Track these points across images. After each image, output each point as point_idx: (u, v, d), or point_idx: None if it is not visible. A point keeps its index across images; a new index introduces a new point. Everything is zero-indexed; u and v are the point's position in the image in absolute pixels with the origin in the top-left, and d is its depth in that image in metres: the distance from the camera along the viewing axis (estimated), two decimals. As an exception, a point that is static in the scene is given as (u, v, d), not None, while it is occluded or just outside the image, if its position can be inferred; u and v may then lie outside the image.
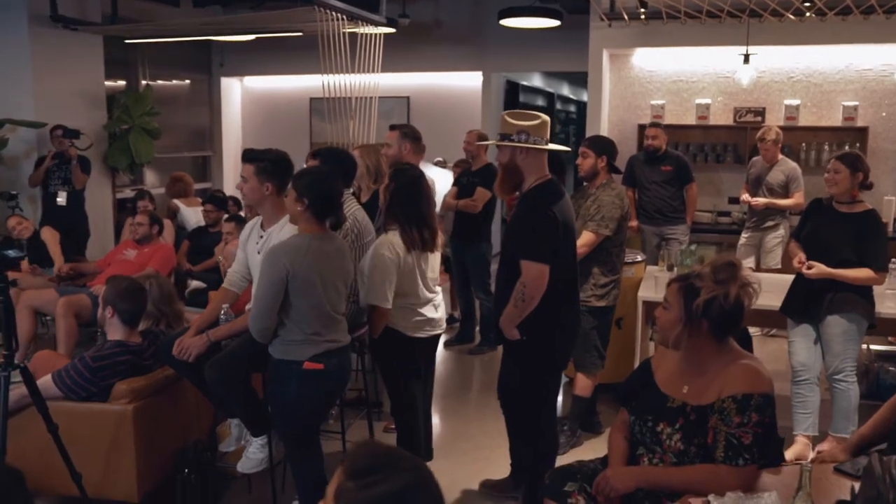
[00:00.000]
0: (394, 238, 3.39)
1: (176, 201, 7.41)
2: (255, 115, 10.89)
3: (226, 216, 6.17)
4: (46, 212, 6.68)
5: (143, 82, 9.38)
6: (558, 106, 13.97)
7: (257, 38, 8.46)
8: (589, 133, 6.94)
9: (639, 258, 5.14)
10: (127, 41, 8.03)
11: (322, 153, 3.75)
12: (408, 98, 10.13)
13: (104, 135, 7.75)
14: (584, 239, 4.04)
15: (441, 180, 6.09)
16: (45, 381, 3.22)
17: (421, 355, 3.60)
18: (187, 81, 10.31)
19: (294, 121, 10.31)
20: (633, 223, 6.69)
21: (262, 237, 3.36)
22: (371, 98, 6.85)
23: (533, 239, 3.12)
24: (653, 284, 4.76)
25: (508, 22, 7.14)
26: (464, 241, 6.04)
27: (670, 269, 5.02)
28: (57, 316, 5.09)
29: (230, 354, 3.17)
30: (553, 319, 3.19)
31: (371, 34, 6.63)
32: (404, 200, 3.42)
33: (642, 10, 6.50)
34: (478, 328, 6.28)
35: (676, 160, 6.50)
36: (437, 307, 3.63)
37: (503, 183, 3.33)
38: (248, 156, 3.31)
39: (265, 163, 3.28)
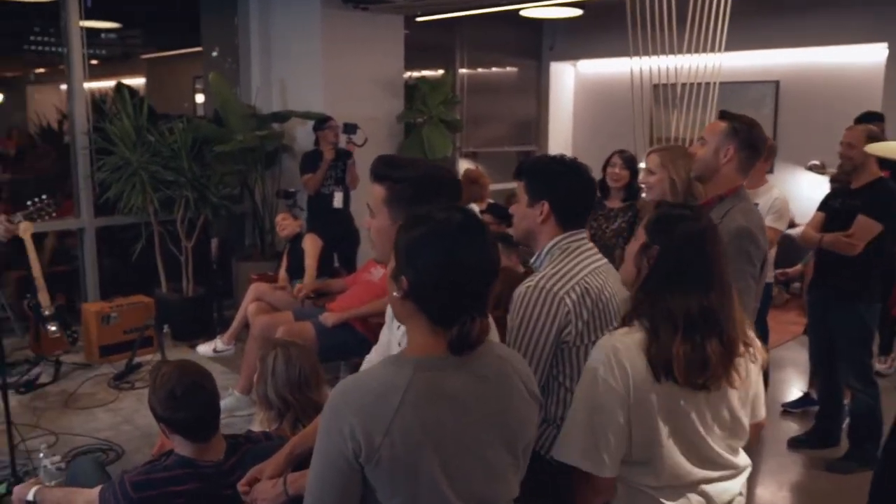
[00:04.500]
0: (626, 340, 1.72)
1: (473, 206, 6.27)
2: (589, 104, 9.41)
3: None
4: (316, 215, 5.92)
5: (462, 70, 8.50)
6: None
7: (589, 13, 7.05)
8: None
9: None
10: (416, 19, 7.04)
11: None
12: (776, 83, 7.88)
13: (399, 128, 6.90)
14: None
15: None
16: (89, 498, 2.15)
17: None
18: (512, 68, 9.22)
19: (634, 111, 8.65)
20: None
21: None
22: (709, 84, 4.99)
23: None
24: None
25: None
26: (831, 296, 3.96)
27: None
28: (248, 343, 4.27)
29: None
30: None
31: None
32: (671, 274, 1.72)
33: None
34: (845, 427, 4.12)
35: None
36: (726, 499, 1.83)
37: None
38: (379, 169, 1.88)
39: (403, 186, 1.82)
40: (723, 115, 2.77)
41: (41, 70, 11.92)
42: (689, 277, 1.71)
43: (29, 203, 3.62)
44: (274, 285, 5.09)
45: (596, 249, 2.14)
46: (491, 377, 1.50)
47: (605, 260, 2.14)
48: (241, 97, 6.53)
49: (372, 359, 2.10)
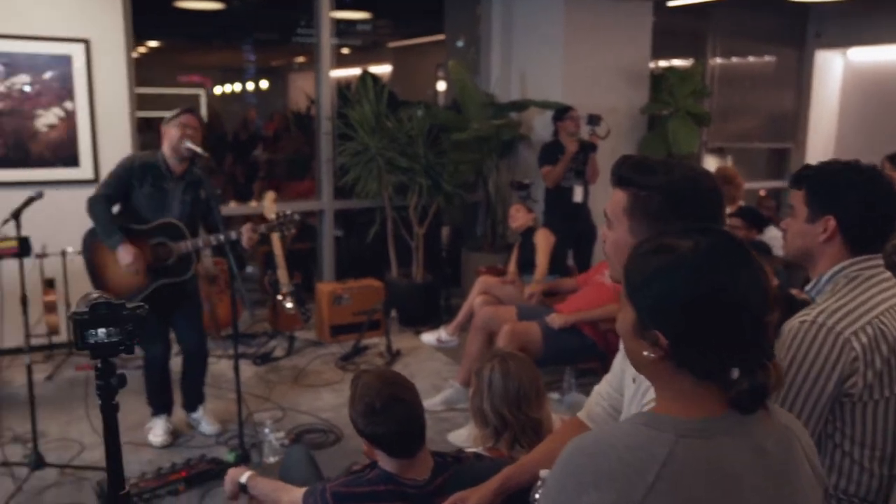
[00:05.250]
0: None
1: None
2: (859, 97, 8.33)
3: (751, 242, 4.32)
4: (553, 209, 5.68)
5: (716, 59, 7.86)
6: None
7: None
8: None
9: None
10: (666, 5, 6.53)
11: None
12: None
13: (642, 120, 6.47)
14: None
15: None
16: (294, 499, 2.07)
17: None
18: (770, 57, 8.38)
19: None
20: None
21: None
22: None
23: None
24: None
25: None
26: None
27: None
28: (470, 333, 4.21)
29: None
30: None
31: None
32: None
33: None
34: None
35: None
36: None
37: None
38: (622, 172, 1.57)
39: (649, 194, 1.51)
40: None
41: (301, 59, 12.78)
42: None
43: (274, 216, 3.76)
44: (502, 279, 4.95)
45: (895, 281, 1.70)
46: (772, 449, 1.15)
47: None
48: (480, 85, 6.45)
49: (601, 391, 1.81)
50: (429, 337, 5.24)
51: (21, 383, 3.53)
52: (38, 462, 3.42)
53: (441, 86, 9.14)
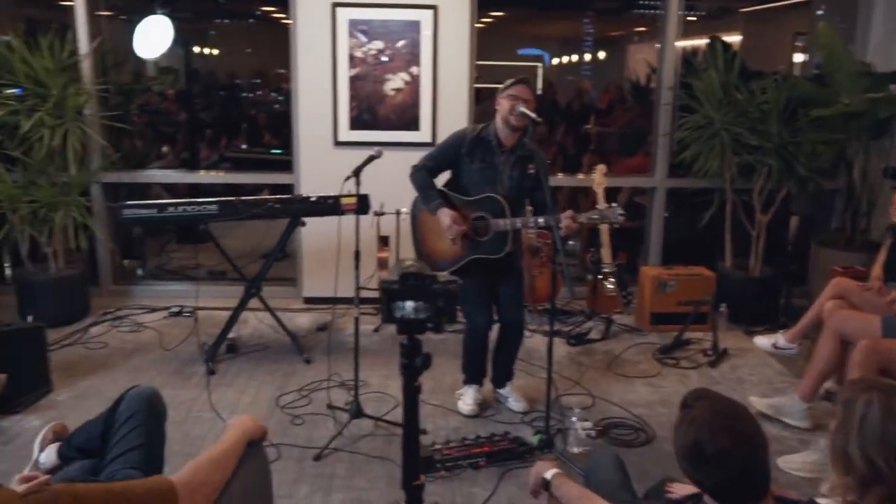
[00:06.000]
0: None
1: None
2: None
3: None
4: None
5: None
6: None
7: None
8: None
9: None
10: None
11: None
12: None
13: None
14: None
15: None
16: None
17: None
18: None
19: None
20: None
21: None
22: None
23: None
24: None
25: None
26: None
27: None
28: (822, 338, 3.66)
29: None
30: None
31: None
32: None
33: None
34: None
35: None
36: None
37: None
38: None
39: None
40: None
41: (641, 29, 12.33)
42: None
43: (598, 206, 3.50)
44: (862, 284, 4.18)
45: None
46: None
47: None
48: (854, 53, 5.54)
49: None
50: (763, 340, 4.63)
51: (352, 332, 3.68)
52: (357, 411, 3.56)
53: (798, 57, 8.16)
